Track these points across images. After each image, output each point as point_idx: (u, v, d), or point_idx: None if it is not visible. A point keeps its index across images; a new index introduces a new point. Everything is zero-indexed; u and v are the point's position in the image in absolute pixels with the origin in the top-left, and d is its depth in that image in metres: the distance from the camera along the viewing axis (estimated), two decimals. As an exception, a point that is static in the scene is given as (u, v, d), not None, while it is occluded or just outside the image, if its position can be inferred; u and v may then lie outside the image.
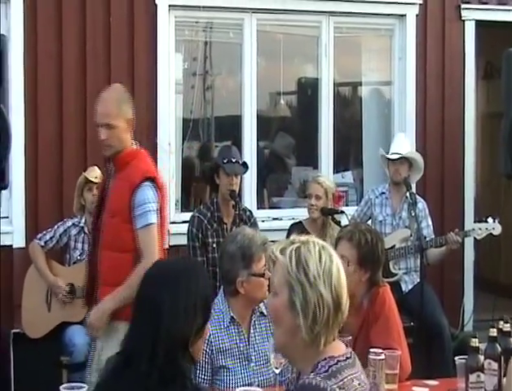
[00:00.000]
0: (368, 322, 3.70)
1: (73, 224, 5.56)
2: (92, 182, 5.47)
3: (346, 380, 2.20)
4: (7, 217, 5.98)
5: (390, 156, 6.03)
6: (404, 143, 6.22)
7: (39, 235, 5.54)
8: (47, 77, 6.08)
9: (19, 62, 5.95)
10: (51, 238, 5.50)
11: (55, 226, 5.56)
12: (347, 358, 2.28)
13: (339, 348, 2.30)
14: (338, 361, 2.23)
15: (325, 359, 2.23)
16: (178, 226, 6.23)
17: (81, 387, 3.27)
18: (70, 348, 5.16)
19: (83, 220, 5.55)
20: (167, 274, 2.50)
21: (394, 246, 5.93)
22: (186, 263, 2.75)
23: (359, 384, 2.24)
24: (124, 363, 2.39)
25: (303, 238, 2.31)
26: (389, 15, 7.03)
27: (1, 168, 4.90)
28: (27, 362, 5.35)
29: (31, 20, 6.02)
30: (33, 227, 5.88)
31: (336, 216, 5.57)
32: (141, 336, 2.39)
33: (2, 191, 5.66)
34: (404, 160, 6.00)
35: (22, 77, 5.97)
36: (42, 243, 5.47)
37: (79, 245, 5.51)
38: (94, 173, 5.52)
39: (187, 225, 5.70)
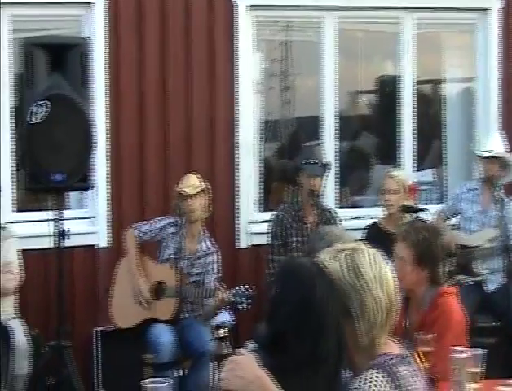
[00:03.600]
0: (425, 323, 3.64)
1: (172, 223, 5.55)
2: (185, 192, 5.45)
3: (401, 374, 2.22)
4: (92, 218, 6.11)
5: (484, 154, 5.92)
6: (499, 142, 6.10)
7: (136, 224, 5.58)
8: (129, 80, 6.17)
9: (101, 65, 6.06)
10: (148, 231, 5.52)
11: (155, 220, 5.57)
12: (403, 357, 2.30)
13: (394, 347, 2.32)
14: (394, 357, 2.26)
15: (380, 355, 2.25)
16: (258, 225, 6.24)
17: (164, 381, 3.32)
18: (156, 347, 5.19)
19: (183, 223, 5.56)
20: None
21: (480, 245, 5.81)
22: None
23: (414, 381, 2.25)
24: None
25: (351, 245, 2.35)
26: (471, 9, 6.89)
27: (85, 169, 5.00)
28: (112, 360, 5.44)
29: (113, 25, 6.12)
30: (117, 228, 5.98)
31: (416, 213, 5.48)
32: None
33: (87, 192, 5.82)
34: (496, 159, 5.89)
35: (104, 80, 6.07)
36: (137, 233, 5.50)
37: (172, 245, 5.51)
38: (188, 182, 5.51)
39: (266, 224, 5.73)
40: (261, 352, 2.32)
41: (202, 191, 5.44)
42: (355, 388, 2.19)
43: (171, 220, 5.55)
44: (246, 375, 2.24)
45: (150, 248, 5.66)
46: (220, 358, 3.38)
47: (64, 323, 4.92)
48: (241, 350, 2.36)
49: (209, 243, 5.54)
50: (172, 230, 5.52)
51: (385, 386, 2.17)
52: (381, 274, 2.27)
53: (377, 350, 2.27)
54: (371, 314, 2.23)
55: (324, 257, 2.32)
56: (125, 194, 6.11)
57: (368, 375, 2.20)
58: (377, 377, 2.18)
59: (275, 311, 2.30)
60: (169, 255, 5.48)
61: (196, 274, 5.44)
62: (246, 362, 2.27)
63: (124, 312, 5.41)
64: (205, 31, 6.30)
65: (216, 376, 3.40)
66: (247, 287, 5.15)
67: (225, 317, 5.23)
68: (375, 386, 2.17)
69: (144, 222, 5.59)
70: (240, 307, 5.12)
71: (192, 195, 5.38)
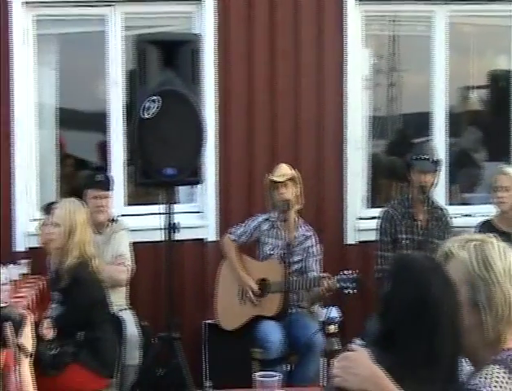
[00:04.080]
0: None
1: (265, 219, 5.56)
2: (277, 181, 5.46)
3: None
4: (201, 212, 6.19)
5: None
6: None
7: (231, 229, 5.63)
8: (238, 77, 6.21)
9: (211, 61, 6.12)
10: (243, 233, 5.56)
11: (247, 221, 5.62)
12: None
13: None
14: None
15: (504, 351, 2.17)
16: (366, 221, 6.19)
17: (275, 375, 3.33)
18: (264, 344, 5.20)
19: (275, 215, 5.56)
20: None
21: None
22: None
23: None
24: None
25: (479, 236, 2.27)
26: None
27: (196, 164, 5.06)
28: (220, 353, 5.49)
29: (223, 21, 6.18)
30: (225, 222, 6.03)
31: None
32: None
33: (197, 187, 5.89)
34: None
35: (214, 76, 6.13)
36: (234, 238, 5.55)
37: (270, 240, 5.53)
38: (280, 171, 5.52)
39: (375, 221, 5.66)
40: (374, 349, 2.28)
41: (293, 179, 5.43)
42: (476, 384, 2.13)
43: (264, 216, 5.57)
44: (361, 372, 2.20)
45: (248, 249, 5.69)
46: (331, 355, 3.34)
47: (173, 315, 4.99)
48: (355, 346, 2.33)
49: (305, 227, 5.53)
50: (267, 226, 5.53)
51: (506, 382, 2.10)
52: (511, 268, 2.19)
53: (502, 346, 2.19)
54: (499, 308, 2.15)
55: (452, 244, 2.25)
56: (234, 188, 6.16)
57: (489, 370, 2.13)
58: (498, 373, 2.11)
59: (388, 308, 2.25)
60: (269, 250, 5.49)
61: (298, 261, 5.43)
62: (360, 359, 2.23)
63: (229, 314, 5.45)
64: (314, 26, 6.28)
65: (327, 373, 3.36)
66: (350, 271, 5.12)
67: (333, 313, 5.19)
68: (496, 382, 2.10)
69: (239, 225, 5.61)
70: (347, 291, 5.09)
71: (283, 184, 5.37)
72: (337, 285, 5.11)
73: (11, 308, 2.98)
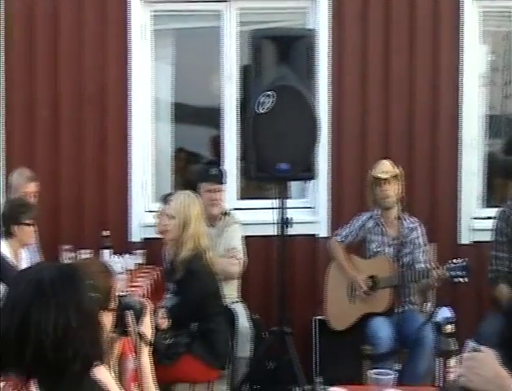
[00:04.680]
0: None
1: (369, 217, 5.51)
2: (379, 178, 5.37)
3: None
4: (313, 208, 6.20)
5: None
6: None
7: (337, 231, 5.61)
8: (352, 72, 6.18)
9: (325, 57, 6.10)
10: (349, 233, 5.52)
11: (352, 221, 5.57)
12: None
13: None
14: None
15: None
16: (481, 221, 6.05)
17: (390, 373, 3.29)
18: (374, 340, 5.16)
19: (379, 212, 5.51)
20: None
21: None
22: None
23: None
24: None
25: None
26: None
27: (309, 159, 5.06)
28: (330, 349, 5.48)
29: (337, 16, 6.15)
30: (337, 218, 6.02)
31: None
32: None
33: (309, 182, 5.89)
34: None
35: (327, 71, 6.11)
36: (340, 239, 5.52)
37: (376, 237, 5.48)
38: (382, 168, 5.44)
39: (490, 221, 5.53)
40: (499, 351, 2.24)
41: (396, 176, 5.35)
42: None
43: (367, 215, 5.51)
44: (485, 373, 2.17)
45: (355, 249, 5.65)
46: (447, 355, 3.29)
47: (285, 310, 5.01)
48: (482, 348, 2.28)
49: (409, 220, 5.44)
50: (371, 223, 5.46)
51: None
52: None
53: None
54: None
55: None
56: (346, 185, 6.14)
57: None
58: None
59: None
60: (375, 248, 5.43)
61: (406, 254, 5.35)
62: (486, 360, 2.19)
63: (339, 315, 5.41)
64: (430, 22, 6.18)
65: (443, 373, 3.30)
66: (460, 259, 5.02)
67: (446, 313, 5.10)
68: None
69: (344, 227, 5.57)
70: (457, 280, 4.99)
71: (386, 181, 5.30)
72: (447, 274, 5.03)
73: (132, 297, 3.04)
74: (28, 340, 1.95)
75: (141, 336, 2.83)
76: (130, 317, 2.82)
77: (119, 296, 2.90)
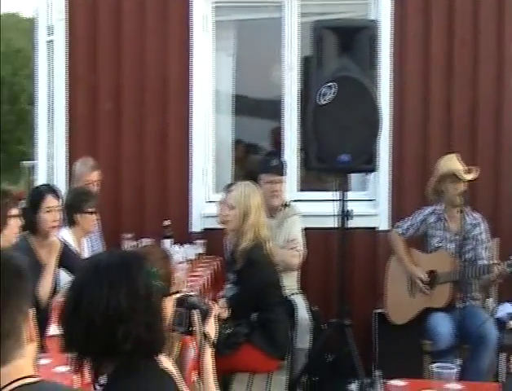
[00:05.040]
0: None
1: (431, 212, 5.42)
2: (456, 175, 5.21)
3: None
4: (373, 200, 6.16)
5: None
6: None
7: (398, 223, 5.56)
8: (414, 63, 6.13)
9: (387, 48, 6.05)
10: (410, 226, 5.46)
11: (414, 214, 5.50)
12: None
13: None
14: None
15: None
16: None
17: (453, 367, 3.26)
18: (434, 335, 5.11)
19: (442, 207, 5.43)
20: None
21: None
22: None
23: None
24: None
25: None
26: None
27: (370, 151, 5.01)
28: (389, 343, 5.45)
29: (399, 7, 6.10)
30: (397, 210, 5.97)
31: None
32: None
33: (369, 174, 5.85)
34: None
35: (390, 63, 6.06)
36: (401, 231, 5.46)
37: (437, 232, 5.41)
38: (459, 166, 5.27)
39: None
40: None
41: (469, 174, 5.27)
42: None
43: (430, 209, 5.43)
44: None
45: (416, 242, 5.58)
46: (511, 350, 3.25)
47: (344, 302, 4.99)
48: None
49: (472, 215, 5.36)
50: (433, 218, 5.39)
51: None
52: None
53: None
54: None
55: None
56: (407, 177, 6.09)
57: None
58: None
59: None
60: (437, 243, 5.36)
61: (468, 250, 5.28)
62: None
63: (399, 308, 5.37)
64: (494, 14, 6.09)
65: (506, 368, 3.26)
66: None
67: (508, 308, 5.04)
68: None
69: (406, 219, 5.50)
70: None
71: (462, 178, 5.20)
72: (508, 270, 4.95)
73: (199, 298, 3.07)
74: (80, 318, 2.02)
75: (205, 336, 2.85)
76: (196, 316, 2.85)
77: (186, 295, 2.94)
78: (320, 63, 5.03)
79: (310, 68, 5.15)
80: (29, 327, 1.82)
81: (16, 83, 24.62)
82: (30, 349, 1.83)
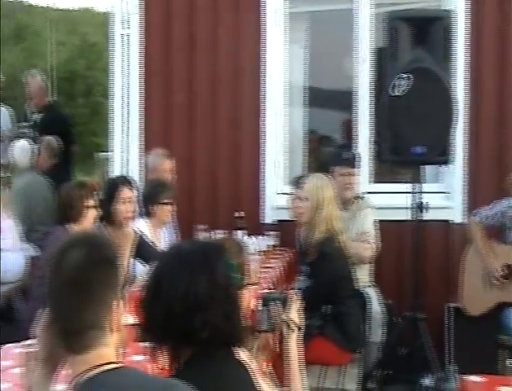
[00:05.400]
0: None
1: (511, 205, 5.35)
2: None
3: None
4: (448, 193, 6.08)
5: None
6: None
7: (475, 211, 5.47)
8: (490, 55, 6.02)
9: (462, 39, 5.95)
10: (488, 216, 5.36)
11: (494, 204, 5.40)
12: None
13: None
14: None
15: None
16: None
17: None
18: (510, 330, 5.03)
19: None
20: None
21: None
22: None
23: None
24: None
25: None
26: None
27: (445, 143, 4.95)
28: (464, 337, 5.38)
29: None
30: (473, 203, 5.87)
31: None
32: None
33: (445, 166, 5.77)
34: None
35: (465, 54, 5.97)
36: (478, 219, 5.38)
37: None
38: None
39: None
40: None
41: None
42: None
43: (507, 202, 5.32)
44: None
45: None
46: None
47: (418, 296, 4.94)
48: None
49: None
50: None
51: None
52: None
53: None
54: None
55: None
56: (483, 169, 5.99)
57: None
58: None
59: None
60: (515, 236, 5.28)
61: None
62: None
63: (475, 299, 5.30)
64: None
65: None
66: None
67: None
68: None
69: (485, 207, 5.41)
70: None
71: None
72: None
73: (275, 291, 3.09)
74: (160, 305, 2.05)
75: (288, 323, 2.87)
76: (274, 308, 2.87)
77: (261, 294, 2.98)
78: (394, 55, 4.99)
79: (383, 60, 5.11)
80: (115, 318, 1.86)
81: (91, 76, 25.03)
82: (114, 338, 1.87)
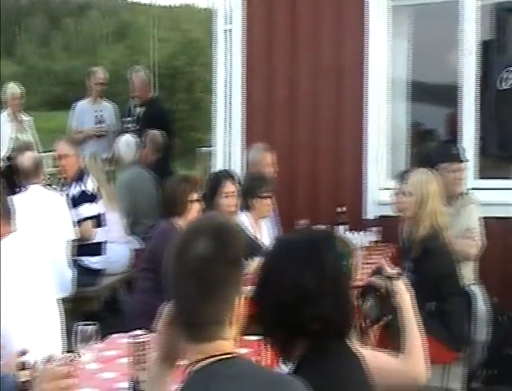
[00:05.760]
0: None
1: None
2: None
3: None
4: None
5: None
6: None
7: None
8: None
9: None
10: None
11: None
12: None
13: None
14: None
15: None
16: None
17: None
18: None
19: None
20: None
21: None
22: None
23: None
24: None
25: None
26: None
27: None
28: None
29: None
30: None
31: None
32: None
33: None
34: None
35: None
36: None
37: None
38: None
39: None
40: None
41: None
42: None
43: None
44: None
45: None
46: None
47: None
48: None
49: None
50: None
51: None
52: None
53: None
54: None
55: None
56: None
57: None
58: None
59: None
60: None
61: None
62: None
63: None
64: None
65: None
66: None
67: None
68: None
69: None
70: None
71: None
72: None
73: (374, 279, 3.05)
74: (269, 298, 2.05)
75: (389, 277, 2.82)
76: (382, 282, 2.83)
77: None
78: (501, 47, 4.88)
79: (489, 52, 5.01)
80: (236, 313, 1.87)
81: (191, 72, 25.38)
82: (233, 331, 1.89)
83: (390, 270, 2.90)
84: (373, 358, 2.28)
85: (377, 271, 2.88)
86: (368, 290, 2.88)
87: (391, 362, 2.52)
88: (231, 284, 1.85)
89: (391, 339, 2.89)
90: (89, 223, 5.82)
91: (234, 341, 1.90)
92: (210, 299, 1.83)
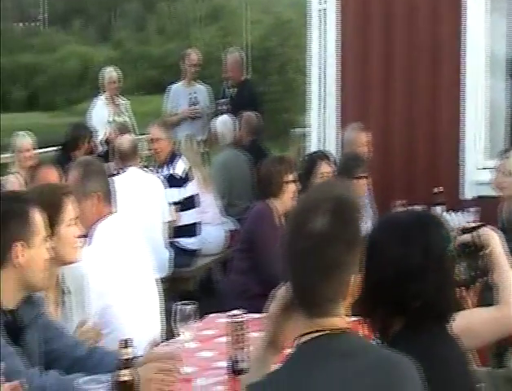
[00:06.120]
0: None
1: None
2: None
3: None
4: None
5: None
6: None
7: None
8: None
9: None
10: None
11: None
12: None
13: None
14: None
15: None
16: None
17: None
18: None
19: None
20: None
21: None
22: None
23: None
24: None
25: None
26: None
27: None
28: None
29: None
30: None
31: None
32: None
33: None
34: None
35: None
36: None
37: None
38: None
39: None
40: None
41: None
42: None
43: None
44: None
45: None
46: None
47: None
48: None
49: None
50: None
51: None
52: None
53: None
54: None
55: None
56: None
57: None
58: None
59: None
60: None
61: None
62: None
63: None
64: None
65: None
66: None
67: None
68: None
69: None
70: None
71: None
72: None
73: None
74: (373, 272, 2.01)
75: (474, 227, 2.73)
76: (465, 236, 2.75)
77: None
78: None
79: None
80: (351, 291, 1.86)
81: (283, 53, 25.32)
82: (345, 306, 1.89)
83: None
84: (460, 318, 2.19)
85: (462, 230, 2.78)
86: (458, 251, 2.78)
87: (483, 314, 2.48)
88: (349, 264, 1.84)
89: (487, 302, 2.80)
90: (172, 209, 5.87)
91: (345, 317, 1.89)
92: (328, 278, 1.82)
